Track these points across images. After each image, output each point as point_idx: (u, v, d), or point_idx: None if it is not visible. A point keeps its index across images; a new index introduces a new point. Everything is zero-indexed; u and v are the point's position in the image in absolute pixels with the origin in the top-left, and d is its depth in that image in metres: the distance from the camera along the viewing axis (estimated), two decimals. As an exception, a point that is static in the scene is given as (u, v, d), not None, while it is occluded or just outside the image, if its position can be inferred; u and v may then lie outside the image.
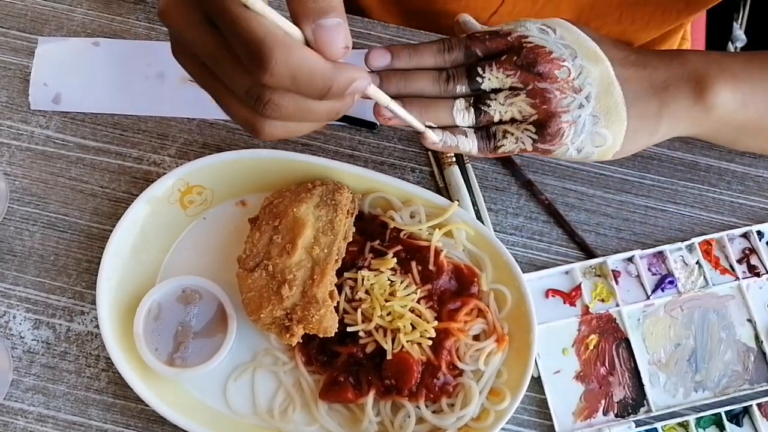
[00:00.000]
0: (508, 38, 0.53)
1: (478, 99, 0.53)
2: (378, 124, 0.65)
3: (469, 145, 0.52)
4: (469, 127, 0.53)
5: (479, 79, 0.53)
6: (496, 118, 0.53)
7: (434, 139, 0.51)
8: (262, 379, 0.57)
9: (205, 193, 0.60)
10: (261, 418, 0.56)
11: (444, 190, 0.63)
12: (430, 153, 0.65)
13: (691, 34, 0.88)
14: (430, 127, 0.51)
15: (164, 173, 0.60)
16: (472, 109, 0.53)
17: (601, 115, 0.52)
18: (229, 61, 0.40)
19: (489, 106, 0.53)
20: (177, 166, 0.62)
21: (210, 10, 0.39)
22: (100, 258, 0.57)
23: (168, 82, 0.65)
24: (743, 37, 1.22)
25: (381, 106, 0.49)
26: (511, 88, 0.53)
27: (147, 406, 0.55)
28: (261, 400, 0.57)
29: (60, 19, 0.67)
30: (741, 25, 1.24)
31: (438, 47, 0.54)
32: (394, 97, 0.50)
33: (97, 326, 0.58)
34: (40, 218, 0.61)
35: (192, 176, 0.59)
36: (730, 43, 1.23)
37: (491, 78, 0.52)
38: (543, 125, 0.52)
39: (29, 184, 0.62)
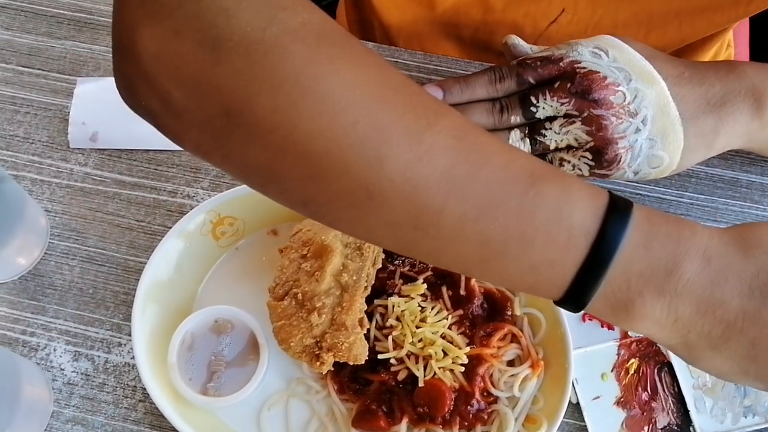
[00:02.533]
0: (560, 64, 0.53)
1: (533, 128, 0.53)
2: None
3: None
4: None
5: (533, 108, 0.53)
6: (552, 147, 0.53)
7: None
8: (296, 408, 0.57)
9: (236, 224, 0.61)
10: (294, 448, 0.56)
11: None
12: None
13: (735, 46, 0.87)
14: None
15: (197, 206, 0.61)
16: (528, 140, 0.53)
17: (657, 137, 0.52)
18: None
19: (544, 135, 0.53)
20: (210, 198, 0.63)
21: None
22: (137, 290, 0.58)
23: (200, 116, 0.66)
24: (790, 51, 1.19)
25: None
26: (566, 116, 0.52)
27: (182, 436, 0.55)
28: (294, 428, 0.56)
29: (97, 60, 0.70)
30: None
31: (489, 77, 0.54)
32: None
33: (134, 357, 0.59)
34: (79, 252, 0.63)
35: (223, 208, 0.60)
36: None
37: (545, 107, 0.52)
38: (600, 152, 0.52)
39: (69, 219, 0.64)
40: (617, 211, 0.36)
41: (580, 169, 0.53)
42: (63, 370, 0.60)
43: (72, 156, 0.66)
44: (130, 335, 0.60)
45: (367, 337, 0.55)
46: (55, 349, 0.60)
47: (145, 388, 0.57)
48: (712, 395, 0.57)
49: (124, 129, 0.67)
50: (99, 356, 0.60)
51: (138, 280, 0.58)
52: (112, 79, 0.68)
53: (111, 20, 0.71)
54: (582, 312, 0.52)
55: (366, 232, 0.39)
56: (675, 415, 0.56)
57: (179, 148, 0.66)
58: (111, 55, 0.69)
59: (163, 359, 0.56)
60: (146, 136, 0.66)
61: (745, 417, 0.56)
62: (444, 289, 0.57)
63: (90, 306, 0.61)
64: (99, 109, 0.67)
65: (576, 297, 0.37)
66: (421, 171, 0.35)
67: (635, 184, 0.64)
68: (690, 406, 0.56)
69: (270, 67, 0.35)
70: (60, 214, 0.64)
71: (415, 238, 0.37)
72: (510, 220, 0.36)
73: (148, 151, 0.66)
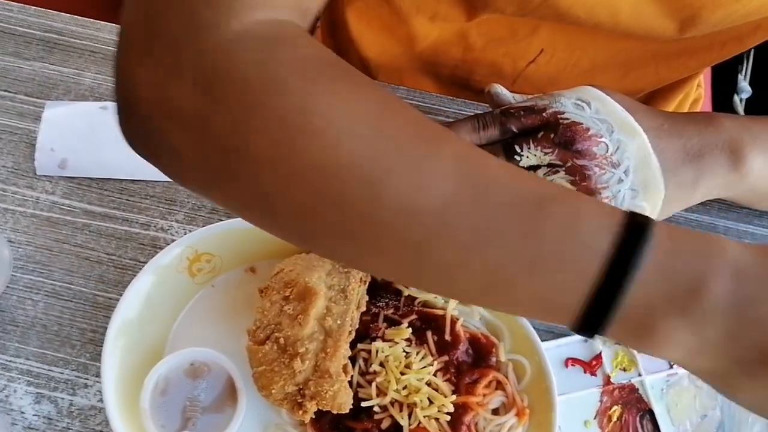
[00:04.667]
0: (544, 114, 0.53)
1: None
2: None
3: None
4: None
5: (517, 157, 0.53)
6: None
7: None
8: (273, 456, 0.55)
9: (213, 260, 0.59)
10: (271, 498, 0.54)
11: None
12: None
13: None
14: None
15: (172, 239, 0.59)
16: None
17: (639, 188, 0.53)
18: None
19: None
20: (185, 232, 0.61)
21: None
22: (105, 328, 0.55)
23: (176, 146, 0.64)
24: (748, 88, 1.23)
25: None
26: (549, 165, 0.53)
27: (152, 485, 0.53)
28: (271, 478, 0.54)
29: (68, 84, 0.67)
30: (745, 76, 1.25)
31: (473, 125, 0.54)
32: None
33: (101, 400, 0.56)
34: (44, 287, 0.60)
35: (200, 244, 0.58)
36: (735, 95, 1.23)
37: (529, 156, 0.53)
38: None
39: (33, 251, 0.61)
40: (635, 229, 0.34)
41: None
42: (24, 413, 0.56)
43: (38, 184, 0.63)
44: (97, 376, 0.57)
45: (350, 383, 0.53)
46: (15, 391, 0.57)
47: (112, 434, 0.54)
48: (693, 444, 0.57)
49: (95, 156, 0.64)
50: (63, 398, 0.57)
51: (107, 316, 0.56)
52: (83, 103, 0.66)
53: (83, 42, 0.69)
54: (566, 358, 0.50)
55: (365, 265, 0.39)
56: (657, 464, 0.56)
57: (153, 178, 0.64)
58: (81, 78, 0.67)
59: (133, 402, 0.53)
60: (119, 164, 0.64)
61: (725, 466, 0.57)
62: (429, 334, 0.55)
63: (54, 344, 0.58)
64: (69, 135, 0.64)
65: (591, 323, 0.34)
66: (420, 200, 0.35)
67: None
68: (671, 454, 0.56)
69: (265, 104, 0.35)
70: (24, 245, 0.61)
71: (417, 268, 0.37)
72: (517, 244, 0.34)
73: (120, 180, 0.63)
